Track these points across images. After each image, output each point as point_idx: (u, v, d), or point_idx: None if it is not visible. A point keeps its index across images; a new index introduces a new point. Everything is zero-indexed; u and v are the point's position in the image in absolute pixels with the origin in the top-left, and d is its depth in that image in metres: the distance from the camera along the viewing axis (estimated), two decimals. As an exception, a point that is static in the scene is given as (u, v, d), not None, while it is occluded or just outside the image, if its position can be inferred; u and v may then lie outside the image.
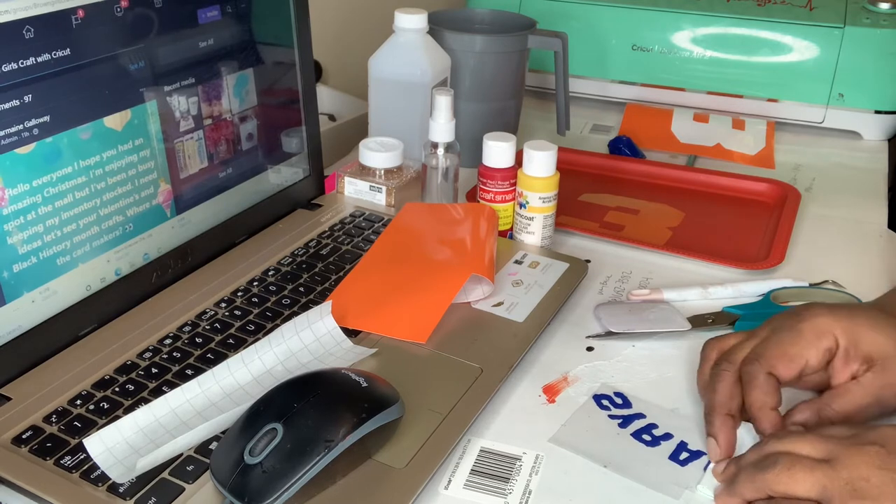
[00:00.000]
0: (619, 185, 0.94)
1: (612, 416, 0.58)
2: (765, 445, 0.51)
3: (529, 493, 0.52)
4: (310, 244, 0.77)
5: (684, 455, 0.55)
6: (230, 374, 0.57)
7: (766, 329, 0.59)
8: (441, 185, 0.81)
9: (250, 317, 0.66)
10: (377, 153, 0.83)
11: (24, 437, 0.53)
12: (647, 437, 0.56)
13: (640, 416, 0.58)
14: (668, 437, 0.57)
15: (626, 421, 0.58)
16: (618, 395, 0.60)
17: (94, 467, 0.50)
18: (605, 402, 0.59)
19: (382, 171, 0.84)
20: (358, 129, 1.06)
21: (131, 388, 0.58)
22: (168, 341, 0.62)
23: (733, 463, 0.52)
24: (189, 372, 0.59)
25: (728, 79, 1.11)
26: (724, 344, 0.60)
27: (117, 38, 0.62)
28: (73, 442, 0.52)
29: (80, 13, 0.59)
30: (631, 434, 0.57)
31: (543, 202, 0.76)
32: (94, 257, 0.63)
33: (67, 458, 0.51)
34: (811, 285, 0.74)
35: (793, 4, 1.11)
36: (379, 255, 0.73)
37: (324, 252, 0.75)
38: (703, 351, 0.61)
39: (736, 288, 0.73)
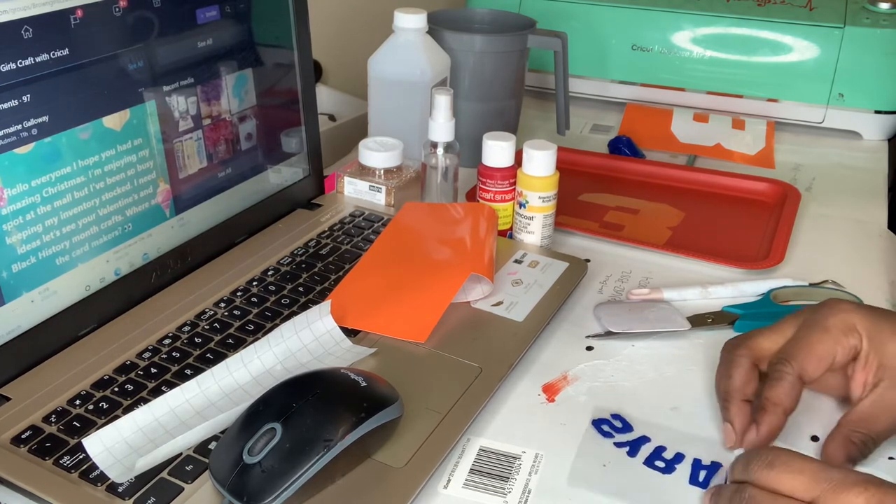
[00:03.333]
0: (619, 185, 0.94)
1: (617, 445, 0.56)
2: (751, 470, 0.48)
3: (529, 492, 0.52)
4: (309, 244, 0.77)
5: (703, 474, 0.54)
6: (229, 373, 0.57)
7: (791, 325, 0.58)
8: (441, 185, 0.81)
9: (250, 317, 0.66)
10: (377, 153, 0.83)
11: (23, 436, 0.53)
12: (660, 464, 0.54)
13: (646, 439, 0.56)
14: (679, 458, 0.55)
15: (633, 448, 0.56)
16: (615, 417, 0.58)
17: (94, 467, 0.50)
18: (606, 428, 0.57)
19: (382, 171, 0.84)
20: (358, 129, 1.06)
21: (130, 387, 0.58)
22: (167, 341, 0.62)
23: (715, 495, 0.50)
24: (188, 372, 0.59)
25: (728, 79, 1.11)
26: (748, 339, 0.59)
27: (116, 37, 0.62)
28: (73, 442, 0.52)
29: (79, 13, 0.59)
30: (643, 463, 0.55)
31: (543, 202, 0.76)
32: (93, 257, 0.63)
33: (67, 457, 0.51)
34: (811, 285, 0.74)
35: (793, 4, 1.11)
36: (378, 255, 0.73)
37: (323, 252, 0.75)
38: (722, 353, 0.60)
39: (736, 287, 0.73)
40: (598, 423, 0.58)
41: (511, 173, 0.77)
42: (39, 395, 0.56)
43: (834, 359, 0.55)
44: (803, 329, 0.57)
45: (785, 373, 0.55)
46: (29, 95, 0.56)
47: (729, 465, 0.52)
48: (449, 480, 0.53)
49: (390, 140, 0.85)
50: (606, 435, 0.57)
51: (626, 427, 0.58)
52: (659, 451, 0.56)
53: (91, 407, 0.56)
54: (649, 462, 0.55)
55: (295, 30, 0.79)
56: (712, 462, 0.55)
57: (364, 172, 0.85)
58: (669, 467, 0.54)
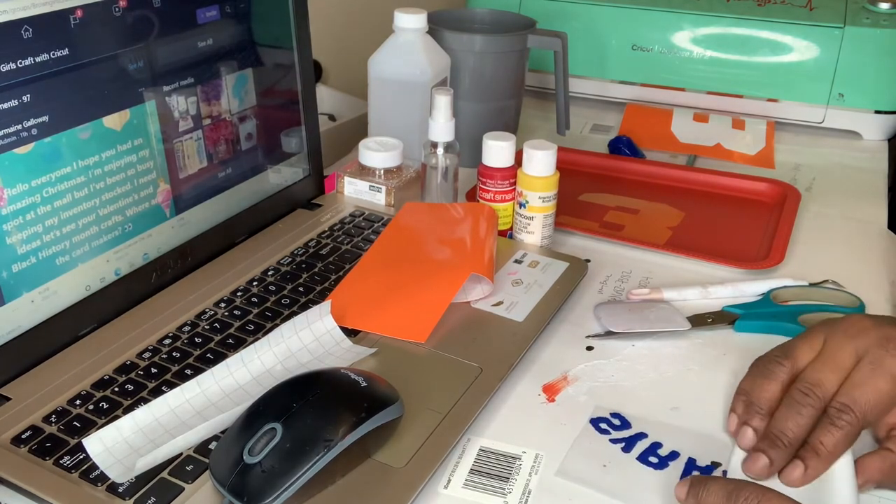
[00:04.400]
0: (619, 185, 0.94)
1: (613, 441, 0.56)
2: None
3: (529, 492, 0.52)
4: (309, 244, 0.77)
5: (695, 475, 0.53)
6: (229, 373, 0.57)
7: (849, 356, 0.54)
8: (441, 185, 0.81)
9: (250, 317, 0.66)
10: (377, 153, 0.83)
11: (23, 437, 0.53)
12: (653, 460, 0.55)
13: (643, 435, 0.57)
14: (674, 455, 0.55)
15: (629, 444, 0.56)
16: (615, 415, 0.58)
17: (94, 467, 0.50)
18: (604, 426, 0.57)
19: (382, 171, 0.84)
20: (358, 128, 1.06)
21: (131, 387, 0.58)
22: (167, 341, 0.62)
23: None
24: (188, 372, 0.59)
25: (728, 79, 1.11)
26: (798, 362, 0.56)
27: (116, 37, 0.62)
28: (73, 442, 0.52)
29: (79, 13, 0.59)
30: (637, 458, 0.55)
31: (543, 202, 0.76)
32: (93, 257, 0.63)
33: (67, 457, 0.51)
34: (811, 285, 0.74)
35: (793, 4, 1.11)
36: (378, 255, 0.73)
37: (323, 252, 0.75)
38: (771, 365, 0.56)
39: (736, 287, 0.73)
40: (595, 422, 0.58)
41: (511, 173, 0.77)
42: (39, 395, 0.56)
43: (894, 405, 0.53)
44: (868, 370, 0.53)
45: (847, 423, 0.52)
46: (29, 95, 0.56)
47: (684, 483, 0.50)
48: (449, 480, 0.53)
49: (390, 140, 0.85)
50: (603, 432, 0.57)
51: (625, 425, 0.58)
52: (654, 446, 0.56)
53: (91, 407, 0.56)
54: (643, 458, 0.55)
55: (295, 30, 0.79)
56: (707, 465, 0.54)
57: (364, 172, 0.85)
58: (662, 463, 0.54)
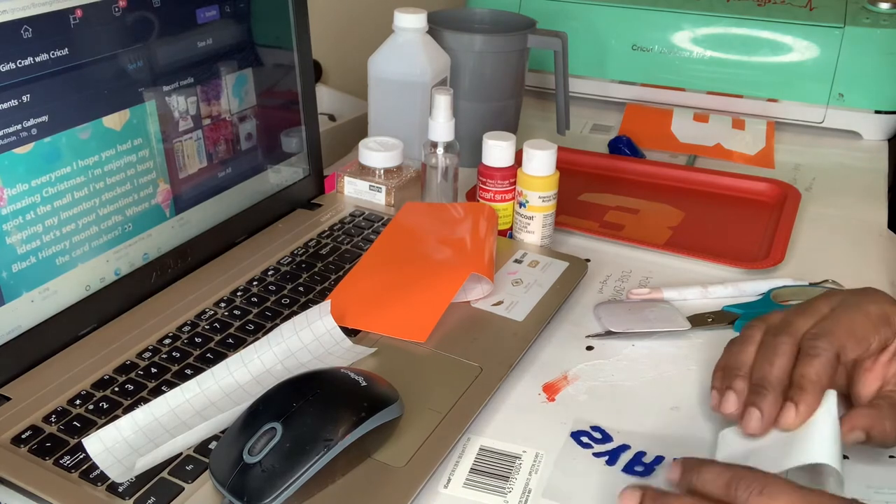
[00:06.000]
0: (619, 185, 0.94)
1: (596, 455, 0.55)
2: (737, 495, 0.44)
3: (529, 491, 0.52)
4: (309, 244, 0.77)
5: (687, 457, 0.51)
6: (229, 373, 0.57)
7: (825, 304, 0.55)
8: (441, 185, 0.81)
9: (250, 316, 0.66)
10: (377, 153, 0.83)
11: (23, 436, 0.53)
12: (639, 469, 0.54)
13: (625, 447, 0.56)
14: (659, 460, 0.54)
15: (612, 457, 0.55)
16: (595, 429, 0.57)
17: (94, 467, 0.50)
18: (585, 439, 0.56)
19: (382, 171, 0.84)
20: (358, 128, 1.06)
21: (131, 387, 0.58)
22: (167, 341, 0.62)
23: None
24: (188, 372, 0.59)
25: (728, 79, 1.11)
26: (771, 320, 0.56)
27: (116, 37, 0.62)
28: (73, 442, 0.52)
29: (78, 13, 0.59)
30: (622, 470, 0.53)
31: (543, 201, 0.76)
32: (93, 257, 0.63)
33: (67, 457, 0.51)
34: (811, 285, 0.74)
35: (793, 4, 1.11)
36: (378, 255, 0.73)
37: (323, 252, 0.75)
38: (747, 330, 0.57)
39: (736, 287, 0.73)
40: (576, 435, 0.57)
41: (511, 173, 0.77)
42: (39, 395, 0.56)
43: (870, 345, 0.52)
44: (841, 309, 0.54)
45: (822, 349, 0.51)
46: (29, 95, 0.56)
47: (677, 464, 0.48)
48: (449, 480, 0.53)
49: (390, 140, 0.85)
50: (585, 446, 0.56)
51: (606, 438, 0.56)
52: (638, 456, 0.55)
53: (91, 407, 0.56)
54: (629, 468, 0.54)
55: (295, 30, 0.79)
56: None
57: (364, 172, 0.85)
58: (648, 469, 0.54)
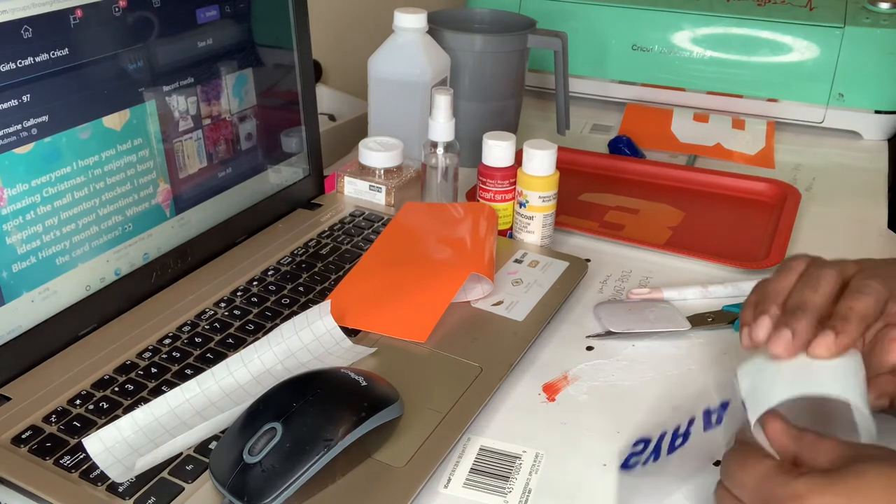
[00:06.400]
0: (619, 185, 0.94)
1: (645, 463, 0.52)
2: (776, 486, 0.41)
3: (529, 491, 0.52)
4: (309, 244, 0.77)
5: (679, 441, 0.50)
6: (229, 373, 0.57)
7: (868, 260, 0.51)
8: (441, 185, 0.81)
9: (250, 316, 0.66)
10: (377, 153, 0.83)
11: (23, 436, 0.53)
12: (678, 442, 0.51)
13: (661, 436, 0.52)
14: (691, 422, 0.51)
15: (656, 452, 0.51)
16: (636, 443, 0.54)
17: (94, 467, 0.50)
18: (633, 461, 0.53)
19: (382, 171, 0.84)
20: (358, 128, 1.06)
21: (131, 387, 0.58)
22: (167, 341, 0.62)
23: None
24: (188, 371, 0.59)
25: (728, 79, 1.11)
26: (817, 258, 0.51)
27: (116, 37, 0.62)
28: (73, 442, 0.52)
29: (79, 13, 0.59)
30: (668, 454, 0.51)
31: (543, 201, 0.76)
32: (93, 257, 0.63)
33: (67, 457, 0.51)
34: (811, 284, 0.74)
35: (793, 4, 1.11)
36: (378, 255, 0.73)
37: (323, 252, 0.75)
38: (790, 260, 0.52)
39: (736, 287, 0.73)
40: (625, 465, 0.53)
41: (511, 173, 0.77)
42: (39, 395, 0.56)
43: None
44: (887, 266, 0.50)
45: (875, 288, 0.47)
46: (29, 95, 0.56)
47: (727, 467, 0.45)
48: (449, 480, 0.53)
49: (390, 140, 0.85)
50: (633, 466, 0.53)
51: (643, 441, 0.54)
52: (674, 437, 0.52)
53: (91, 407, 0.56)
54: (671, 449, 0.51)
55: (295, 30, 0.79)
56: (721, 403, 0.51)
57: (364, 172, 0.85)
58: (686, 436, 0.51)
